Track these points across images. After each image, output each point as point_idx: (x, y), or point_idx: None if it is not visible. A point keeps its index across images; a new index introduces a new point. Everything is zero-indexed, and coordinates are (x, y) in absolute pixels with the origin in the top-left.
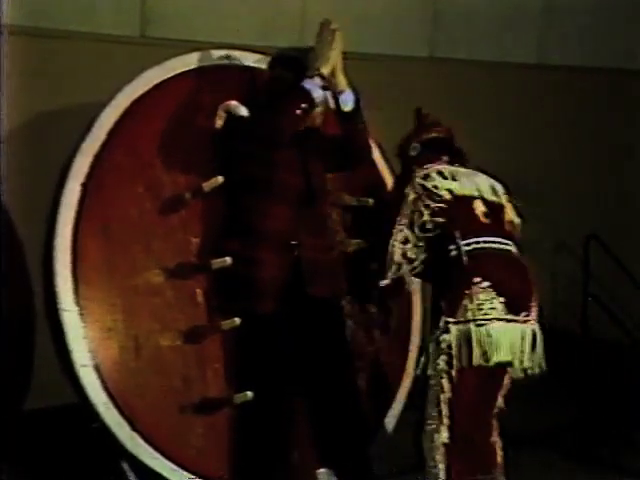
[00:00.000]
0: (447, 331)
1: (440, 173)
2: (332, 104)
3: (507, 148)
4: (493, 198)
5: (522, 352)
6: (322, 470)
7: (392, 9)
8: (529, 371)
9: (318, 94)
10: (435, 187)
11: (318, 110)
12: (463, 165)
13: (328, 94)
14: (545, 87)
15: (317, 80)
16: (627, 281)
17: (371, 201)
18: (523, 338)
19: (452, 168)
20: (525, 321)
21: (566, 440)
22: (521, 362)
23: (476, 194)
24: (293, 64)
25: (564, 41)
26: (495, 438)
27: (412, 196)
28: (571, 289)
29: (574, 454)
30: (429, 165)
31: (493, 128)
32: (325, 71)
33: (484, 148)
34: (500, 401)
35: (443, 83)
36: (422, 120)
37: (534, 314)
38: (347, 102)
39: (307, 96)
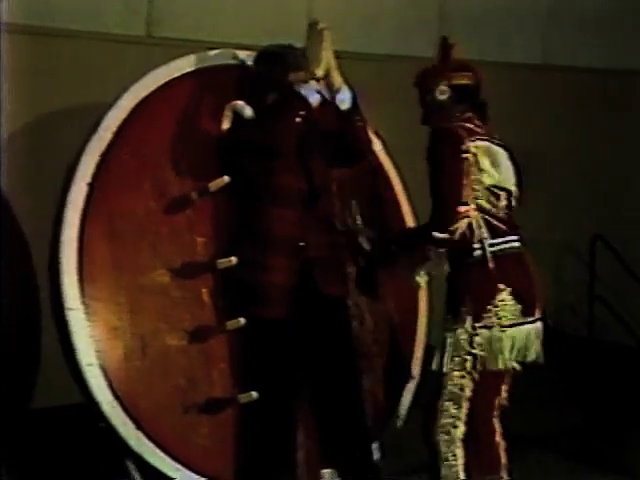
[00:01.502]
0: (475, 334)
1: (487, 151)
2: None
3: (512, 148)
4: (512, 188)
5: (531, 350)
6: (327, 470)
7: (398, 10)
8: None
9: (314, 98)
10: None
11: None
12: (485, 122)
13: (325, 91)
14: (550, 87)
15: (312, 84)
16: (633, 282)
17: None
18: (537, 337)
19: (493, 148)
20: (534, 320)
21: (571, 442)
22: (527, 358)
23: (505, 186)
24: (277, 60)
25: (569, 42)
26: (499, 439)
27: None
28: (577, 290)
29: (579, 456)
30: (466, 131)
31: (498, 128)
32: (319, 73)
33: None
34: (504, 399)
35: None
36: (448, 52)
37: (539, 312)
38: (344, 100)
39: (304, 102)
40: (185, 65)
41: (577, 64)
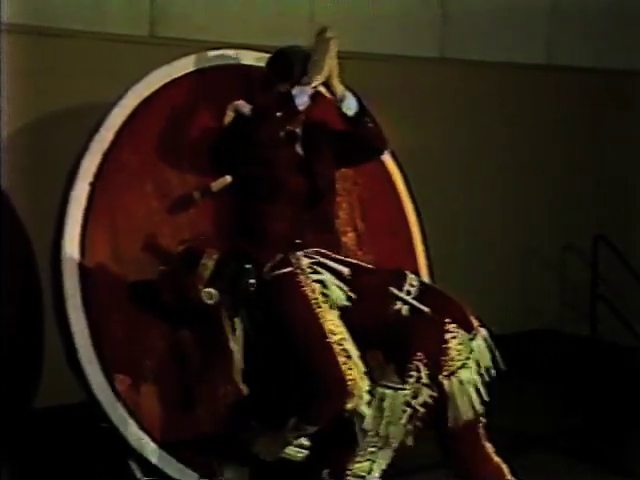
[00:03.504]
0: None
1: None
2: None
3: (516, 148)
4: None
5: None
6: (327, 470)
7: (402, 10)
8: None
9: (302, 101)
10: None
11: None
12: None
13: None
14: (554, 88)
15: (306, 88)
16: (635, 282)
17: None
18: None
19: None
20: None
21: (572, 441)
22: None
23: None
24: (287, 62)
25: (573, 42)
26: None
27: None
28: (579, 290)
29: (580, 456)
30: None
31: (502, 128)
32: (319, 80)
33: (493, 148)
34: None
35: (453, 84)
36: None
37: None
38: (350, 107)
39: (290, 101)
40: (188, 65)
41: (581, 64)
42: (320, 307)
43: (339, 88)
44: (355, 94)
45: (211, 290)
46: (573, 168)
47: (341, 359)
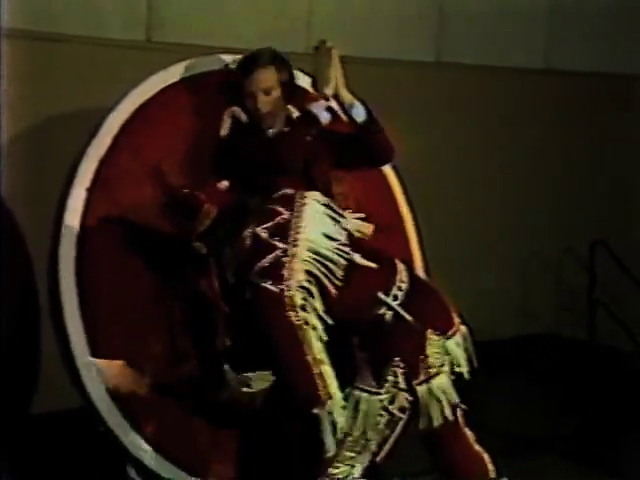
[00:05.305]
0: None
1: None
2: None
3: (514, 152)
4: None
5: None
6: None
7: (398, 13)
8: None
9: (324, 117)
10: None
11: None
12: None
13: (335, 107)
14: (552, 92)
15: (322, 102)
16: (633, 287)
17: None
18: None
19: None
20: None
21: (571, 445)
22: None
23: None
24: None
25: (571, 46)
26: None
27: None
28: (577, 295)
29: (579, 459)
30: None
31: (500, 131)
32: (329, 92)
33: (490, 152)
34: None
35: (449, 88)
36: None
37: None
38: (359, 114)
39: (315, 121)
40: (185, 70)
41: (580, 69)
42: (302, 330)
43: (347, 97)
44: (363, 102)
45: (202, 245)
46: (573, 171)
47: (317, 376)
